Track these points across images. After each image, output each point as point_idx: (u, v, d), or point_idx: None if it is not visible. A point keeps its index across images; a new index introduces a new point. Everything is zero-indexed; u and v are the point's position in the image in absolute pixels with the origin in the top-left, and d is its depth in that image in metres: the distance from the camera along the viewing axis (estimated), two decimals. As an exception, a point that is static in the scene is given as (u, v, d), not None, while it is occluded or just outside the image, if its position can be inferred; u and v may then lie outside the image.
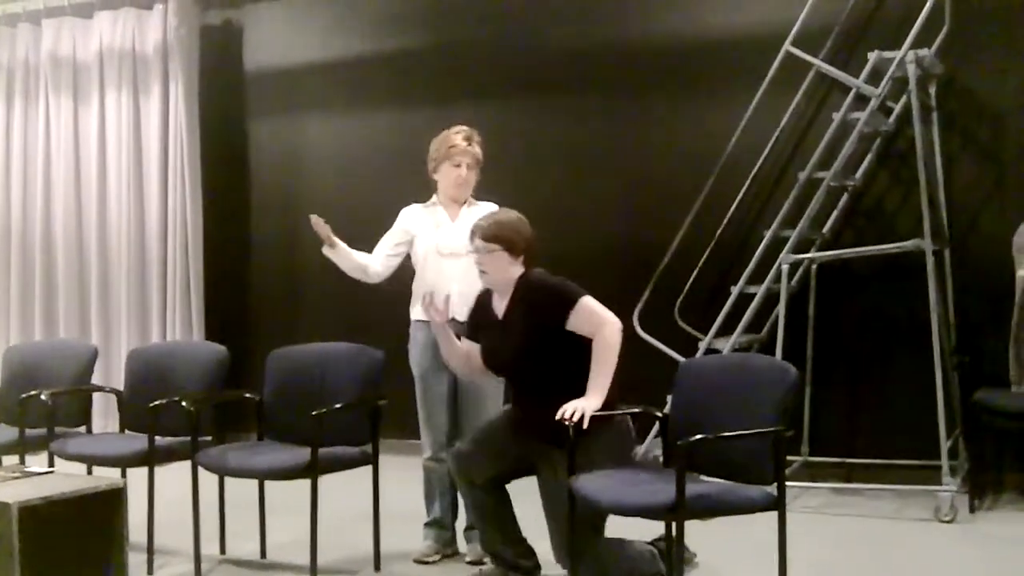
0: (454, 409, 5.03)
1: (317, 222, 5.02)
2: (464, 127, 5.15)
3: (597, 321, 4.17)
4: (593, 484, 3.97)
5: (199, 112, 8.52)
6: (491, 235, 4.39)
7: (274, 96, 8.57)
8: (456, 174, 5.05)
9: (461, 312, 4.82)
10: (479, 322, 4.58)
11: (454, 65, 7.84)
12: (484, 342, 4.51)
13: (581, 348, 4.18)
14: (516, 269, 4.40)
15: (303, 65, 8.46)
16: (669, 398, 4.40)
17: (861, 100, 6.24)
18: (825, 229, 6.72)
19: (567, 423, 4.00)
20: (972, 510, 5.85)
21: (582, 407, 4.02)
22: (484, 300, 4.57)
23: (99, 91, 8.75)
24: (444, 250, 5.02)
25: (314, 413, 4.59)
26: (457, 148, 5.05)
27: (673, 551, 3.86)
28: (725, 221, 6.89)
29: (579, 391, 4.12)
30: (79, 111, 8.84)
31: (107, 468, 5.19)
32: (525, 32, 7.67)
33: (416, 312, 5.05)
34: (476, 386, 4.92)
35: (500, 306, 4.46)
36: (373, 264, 5.16)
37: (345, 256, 5.14)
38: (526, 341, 4.25)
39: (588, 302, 4.22)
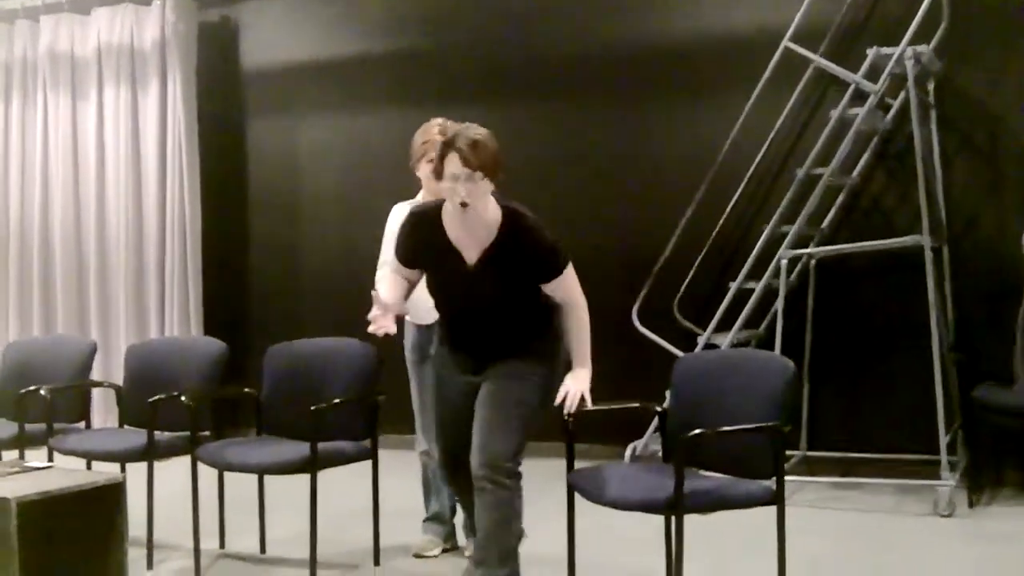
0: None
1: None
2: (440, 119, 4.87)
3: (573, 295, 4.10)
4: (592, 479, 3.98)
5: (197, 108, 8.52)
6: (476, 161, 3.89)
7: (272, 93, 8.58)
8: (427, 170, 4.77)
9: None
10: (424, 251, 4.13)
11: (452, 65, 7.85)
12: (441, 278, 4.15)
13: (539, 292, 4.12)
14: (491, 201, 4.02)
15: (300, 62, 8.46)
16: (668, 393, 4.40)
17: (859, 96, 6.25)
18: (823, 225, 6.72)
19: (568, 417, 4.01)
20: (971, 505, 5.86)
21: (580, 391, 4.03)
22: (428, 223, 4.09)
23: (97, 87, 8.75)
24: None
25: (313, 408, 4.59)
26: (431, 143, 4.69)
27: (672, 546, 3.85)
28: (724, 217, 6.90)
29: (537, 329, 4.13)
30: (77, 107, 8.84)
31: (106, 463, 5.19)
32: (523, 32, 7.67)
33: (410, 315, 5.00)
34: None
35: (461, 238, 4.04)
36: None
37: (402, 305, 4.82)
38: (508, 292, 4.08)
39: (571, 272, 4.11)
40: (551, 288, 4.07)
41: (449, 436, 4.26)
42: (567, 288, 4.08)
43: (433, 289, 4.23)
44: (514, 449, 4.00)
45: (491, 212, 4.00)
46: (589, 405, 4.00)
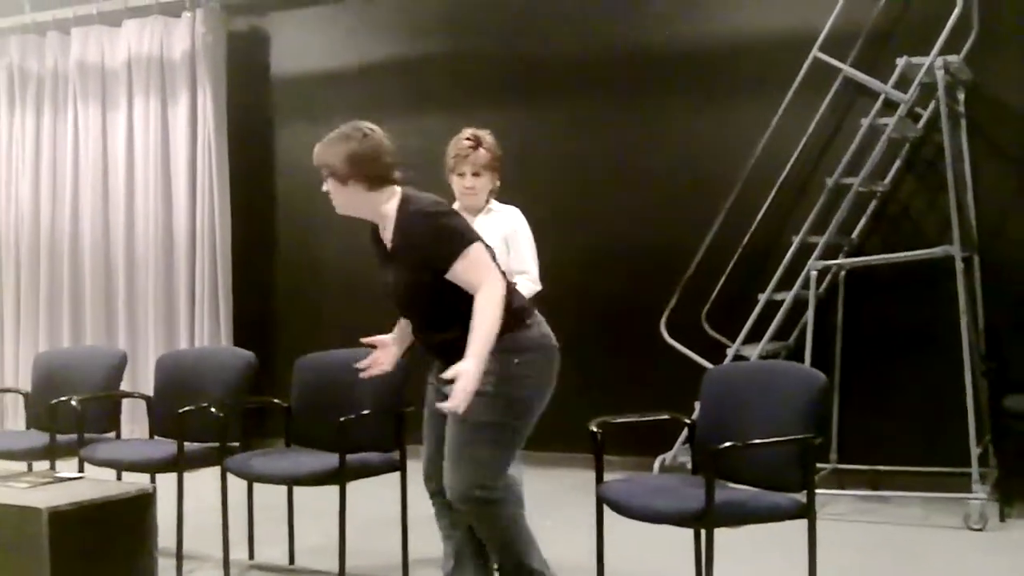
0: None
1: None
2: (471, 130, 4.92)
3: (475, 281, 3.73)
4: (621, 491, 3.97)
5: (226, 119, 8.56)
6: (316, 160, 4.05)
7: (301, 102, 8.60)
8: (461, 184, 4.88)
9: None
10: (376, 250, 4.14)
11: (477, 71, 7.85)
12: (379, 273, 4.09)
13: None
14: (364, 196, 3.97)
15: (330, 71, 8.49)
16: (697, 405, 4.39)
17: (889, 106, 6.22)
18: (853, 235, 6.70)
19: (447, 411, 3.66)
20: (1002, 518, 5.81)
21: (463, 391, 3.57)
22: (374, 225, 4.12)
23: (127, 99, 8.80)
24: None
25: (342, 419, 4.61)
26: (459, 157, 4.84)
27: (703, 559, 3.84)
28: (752, 227, 6.87)
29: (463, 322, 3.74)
30: (107, 118, 8.90)
31: (136, 473, 5.21)
32: (548, 37, 7.67)
33: None
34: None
35: (387, 233, 4.02)
36: None
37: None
38: (415, 278, 3.85)
39: (472, 256, 3.77)
40: (453, 278, 3.77)
41: (426, 458, 4.16)
42: (468, 274, 3.75)
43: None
44: (479, 478, 3.80)
45: (377, 207, 4.01)
46: (460, 408, 3.59)
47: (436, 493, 4.13)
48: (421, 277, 3.83)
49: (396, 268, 3.92)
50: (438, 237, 3.79)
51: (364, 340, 4.16)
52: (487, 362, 3.65)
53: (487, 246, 3.90)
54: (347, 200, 4.01)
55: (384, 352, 4.21)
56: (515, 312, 3.82)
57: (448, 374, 3.61)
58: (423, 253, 3.80)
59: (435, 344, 3.98)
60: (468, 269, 3.75)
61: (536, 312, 3.96)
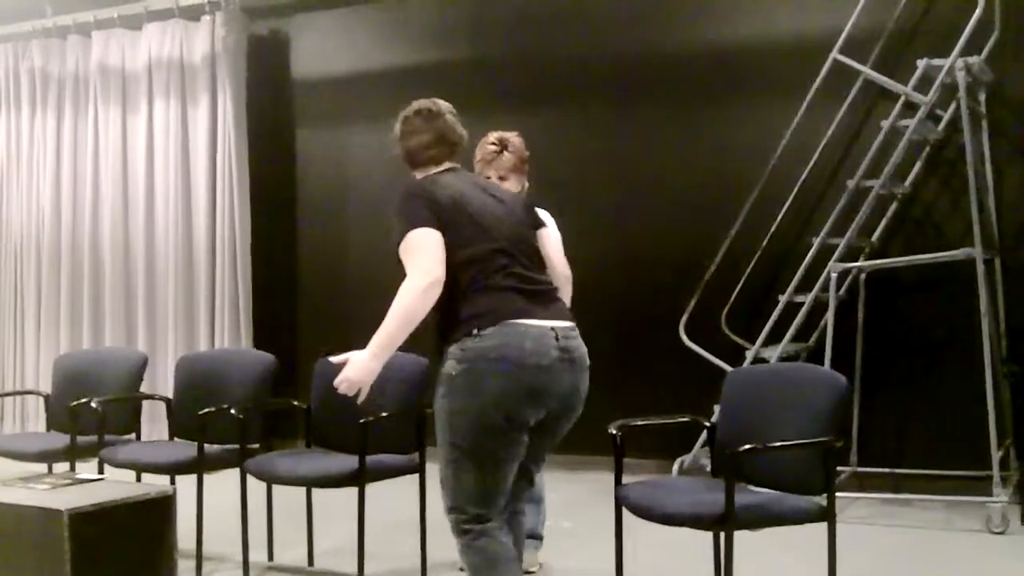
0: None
1: None
2: (497, 134, 4.91)
3: (406, 266, 3.52)
4: (641, 493, 3.96)
5: (246, 121, 8.58)
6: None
7: (321, 105, 8.63)
8: None
9: None
10: None
11: (498, 75, 7.86)
12: None
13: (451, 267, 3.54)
14: (409, 174, 3.89)
15: (350, 74, 8.51)
16: (717, 407, 4.38)
17: (910, 108, 6.21)
18: (874, 237, 6.68)
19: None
20: (1023, 521, 5.78)
21: (344, 378, 3.48)
22: None
23: (147, 101, 8.84)
24: None
25: (361, 421, 4.61)
26: (484, 162, 4.86)
27: (722, 562, 3.83)
28: (772, 229, 6.86)
29: (441, 330, 3.59)
30: (128, 121, 8.94)
31: (156, 475, 5.22)
32: (571, 42, 7.67)
33: None
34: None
35: None
36: None
37: None
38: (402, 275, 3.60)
39: (411, 240, 3.51)
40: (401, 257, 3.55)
41: None
42: (403, 259, 3.54)
43: None
44: (445, 499, 3.58)
45: None
46: (359, 400, 3.54)
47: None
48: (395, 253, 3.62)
49: None
50: (396, 215, 3.60)
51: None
52: (442, 367, 3.52)
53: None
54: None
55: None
56: (467, 317, 3.51)
57: (337, 359, 3.53)
58: (393, 230, 3.62)
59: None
60: (403, 254, 3.53)
61: (509, 320, 3.49)
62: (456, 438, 3.50)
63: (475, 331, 3.47)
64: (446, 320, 3.55)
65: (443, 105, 3.89)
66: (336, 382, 3.46)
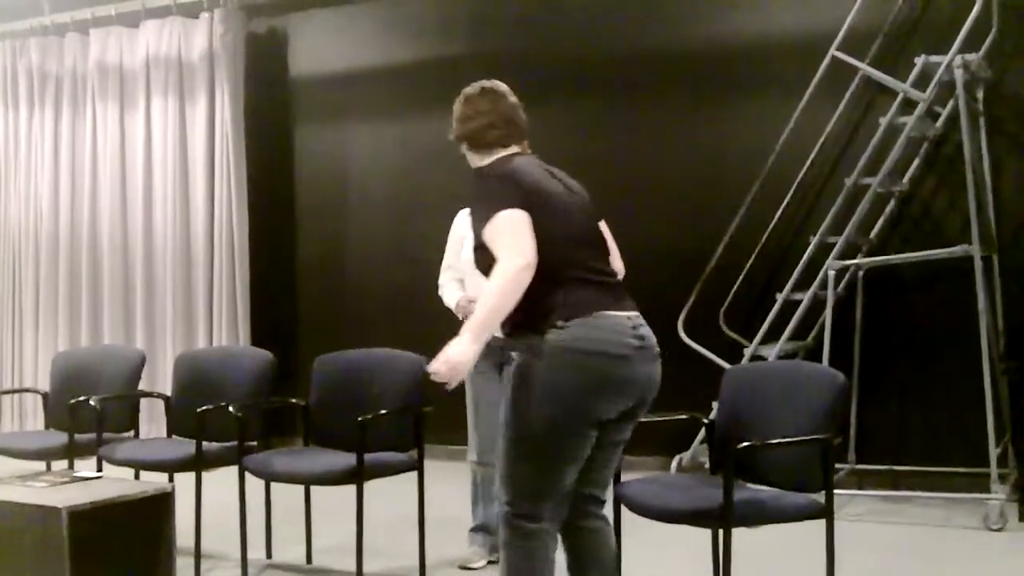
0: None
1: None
2: None
3: (495, 250, 3.35)
4: (639, 491, 3.96)
5: (245, 119, 8.58)
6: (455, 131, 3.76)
7: (319, 103, 8.63)
8: None
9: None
10: None
11: (497, 71, 7.77)
12: None
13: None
14: (470, 157, 3.75)
15: (348, 72, 8.51)
16: (715, 405, 4.38)
17: (908, 105, 6.21)
18: (872, 235, 6.68)
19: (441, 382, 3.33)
20: (1022, 518, 5.78)
21: (443, 359, 3.26)
22: None
23: (145, 99, 8.84)
24: None
25: (360, 419, 4.61)
26: None
27: (720, 559, 3.83)
28: (770, 227, 6.86)
29: (521, 316, 3.39)
30: (126, 119, 8.94)
31: (155, 473, 5.22)
32: (569, 38, 7.67)
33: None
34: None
35: None
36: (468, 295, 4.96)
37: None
38: (475, 242, 3.51)
39: (501, 221, 3.36)
40: (487, 240, 3.40)
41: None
42: (490, 242, 3.37)
43: None
44: (508, 489, 3.44)
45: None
46: (451, 385, 3.32)
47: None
48: (476, 240, 3.48)
49: None
50: (477, 196, 3.49)
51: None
52: (522, 354, 3.40)
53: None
54: (469, 160, 3.73)
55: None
56: (551, 307, 3.38)
57: (431, 366, 3.30)
58: (472, 213, 3.52)
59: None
60: (491, 237, 3.37)
61: (597, 312, 3.41)
62: (528, 431, 3.38)
63: (560, 322, 3.36)
64: (527, 310, 3.35)
65: (505, 87, 3.81)
66: (433, 367, 3.25)
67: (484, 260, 3.43)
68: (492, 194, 3.42)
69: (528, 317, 3.36)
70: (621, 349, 3.40)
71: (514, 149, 3.67)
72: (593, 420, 3.40)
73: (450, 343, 3.25)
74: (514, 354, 3.50)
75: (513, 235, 3.33)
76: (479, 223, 3.41)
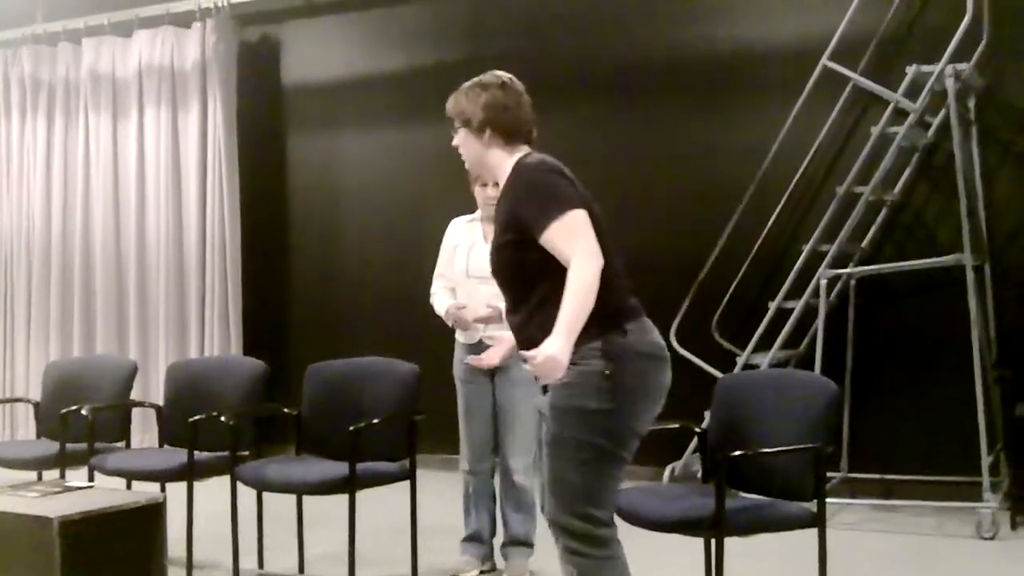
0: (495, 423, 5.02)
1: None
2: None
3: (568, 251, 3.22)
4: (631, 500, 3.96)
5: (237, 128, 8.58)
6: (448, 110, 3.62)
7: (312, 111, 8.63)
8: (483, 194, 4.94)
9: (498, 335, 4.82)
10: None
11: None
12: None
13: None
14: (495, 152, 3.51)
15: (340, 80, 8.51)
16: (707, 414, 4.38)
17: (899, 114, 6.22)
18: (864, 243, 6.69)
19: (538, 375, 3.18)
20: (1014, 527, 5.80)
21: (551, 356, 3.08)
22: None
23: (138, 108, 8.83)
24: (473, 272, 4.94)
25: (352, 428, 4.60)
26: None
27: (713, 568, 3.83)
28: (763, 236, 6.87)
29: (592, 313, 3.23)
30: (118, 128, 8.93)
31: (147, 483, 5.21)
32: (561, 47, 7.68)
33: (463, 335, 5.03)
34: (514, 400, 4.91)
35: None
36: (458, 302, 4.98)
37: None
38: (503, 239, 3.39)
39: (573, 220, 3.26)
40: (546, 244, 3.26)
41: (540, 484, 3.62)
42: (561, 242, 3.24)
43: None
44: (568, 504, 3.28)
45: (501, 164, 3.52)
46: (538, 372, 3.12)
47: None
48: (508, 236, 3.36)
49: (496, 231, 3.46)
50: (536, 192, 3.32)
51: (471, 360, 3.78)
52: (580, 359, 3.22)
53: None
54: (478, 153, 3.53)
55: (498, 347, 3.75)
56: (612, 312, 3.28)
57: (528, 354, 3.12)
58: (516, 208, 3.34)
59: (521, 336, 3.42)
60: (563, 235, 3.24)
61: (642, 317, 3.38)
62: (594, 437, 3.24)
63: (624, 326, 3.29)
64: (592, 315, 3.21)
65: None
66: (536, 362, 3.08)
67: (516, 259, 3.34)
68: (556, 191, 3.32)
69: (592, 322, 3.20)
70: (665, 353, 3.39)
71: (528, 149, 3.56)
72: (649, 423, 3.36)
73: (545, 343, 3.10)
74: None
75: (586, 236, 3.26)
76: (537, 219, 3.27)
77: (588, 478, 3.27)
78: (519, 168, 3.43)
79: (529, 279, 3.34)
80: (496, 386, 4.95)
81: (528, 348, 3.21)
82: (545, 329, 3.17)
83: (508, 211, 3.37)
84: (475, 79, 3.62)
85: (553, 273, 3.24)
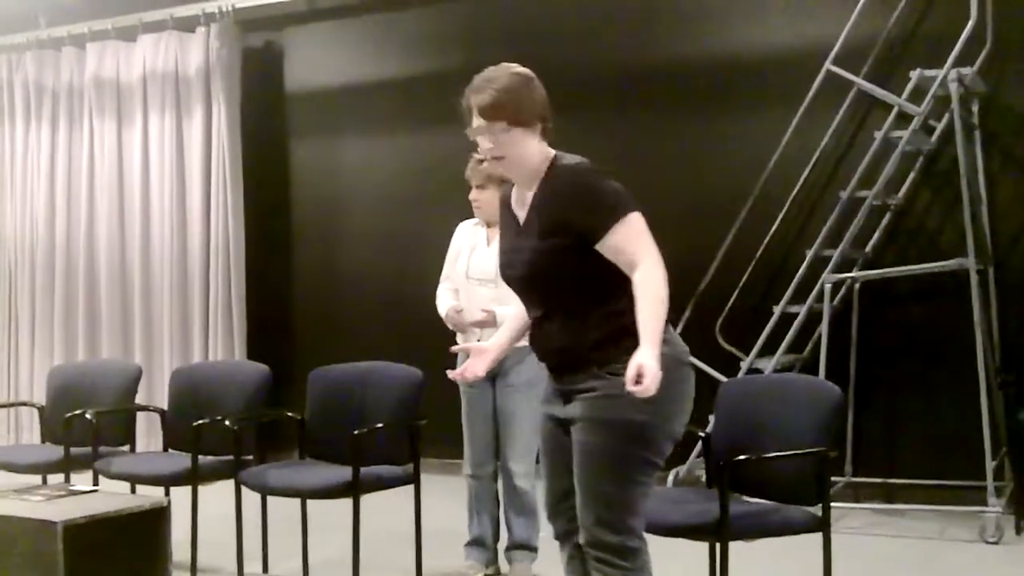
0: (496, 426, 5.02)
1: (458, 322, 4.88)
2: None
3: (636, 256, 3.17)
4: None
5: (241, 133, 8.58)
6: (490, 106, 3.30)
7: (315, 117, 8.63)
8: (480, 196, 4.95)
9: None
10: (506, 223, 3.47)
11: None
12: (500, 247, 3.47)
13: (609, 270, 3.20)
14: (539, 148, 3.36)
15: (343, 86, 8.52)
16: (711, 418, 4.38)
17: (903, 119, 6.22)
18: (867, 248, 6.68)
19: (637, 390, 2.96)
20: (1018, 531, 5.79)
21: (645, 367, 2.94)
22: (504, 201, 3.50)
23: (142, 113, 8.84)
24: (473, 274, 4.97)
25: (355, 432, 4.61)
26: (472, 171, 4.90)
27: (717, 573, 3.83)
28: (766, 240, 6.87)
29: (605, 319, 3.20)
30: (123, 133, 8.94)
31: (151, 487, 5.22)
32: (564, 53, 7.67)
33: (462, 338, 5.04)
34: (514, 404, 4.91)
35: (516, 196, 3.41)
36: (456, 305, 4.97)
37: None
38: (550, 245, 3.20)
39: (637, 223, 3.21)
40: (606, 249, 3.16)
41: (548, 493, 3.44)
42: (627, 244, 3.16)
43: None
44: (607, 516, 3.19)
45: (540, 163, 3.35)
46: (648, 390, 2.94)
47: (563, 536, 3.45)
48: (553, 241, 3.19)
49: (529, 235, 3.27)
50: (594, 195, 3.20)
51: (454, 349, 3.79)
52: (604, 382, 3.15)
53: None
54: (520, 152, 3.31)
55: (478, 359, 3.51)
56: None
57: (632, 376, 2.94)
58: (565, 212, 3.18)
59: (556, 347, 3.27)
60: (629, 239, 3.16)
61: (669, 325, 3.26)
62: (636, 448, 3.17)
63: (665, 333, 3.17)
64: (619, 321, 3.17)
65: None
66: (647, 383, 2.94)
67: (562, 264, 3.20)
68: (618, 191, 3.24)
69: (635, 331, 3.08)
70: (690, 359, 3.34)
71: None
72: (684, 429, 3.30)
73: (639, 356, 2.97)
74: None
75: (651, 239, 3.22)
76: (598, 223, 3.16)
77: (627, 489, 3.20)
78: (562, 170, 3.31)
79: (575, 286, 3.22)
80: (496, 390, 4.96)
81: (564, 358, 3.19)
82: (606, 337, 3.15)
83: (554, 216, 3.21)
84: (498, 71, 3.41)
85: (605, 279, 3.18)
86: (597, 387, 3.16)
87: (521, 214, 3.35)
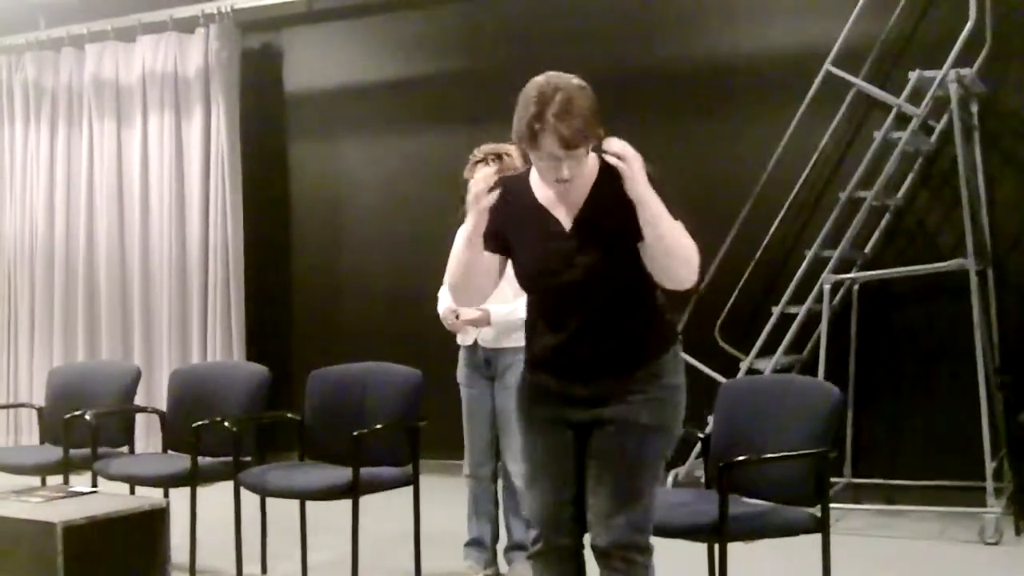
0: (495, 427, 5.02)
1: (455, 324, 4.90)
2: (488, 146, 4.85)
3: (684, 235, 3.35)
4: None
5: (240, 134, 8.58)
6: (580, 137, 3.28)
7: (314, 118, 8.63)
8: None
9: (490, 339, 4.85)
10: (511, 218, 3.31)
11: (492, 87, 7.85)
12: (529, 251, 3.28)
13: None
14: (589, 157, 3.36)
15: (343, 88, 8.52)
16: (710, 419, 4.38)
17: (902, 119, 6.22)
18: (867, 249, 6.68)
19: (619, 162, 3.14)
20: (1017, 532, 5.79)
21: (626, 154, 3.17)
22: (516, 185, 3.37)
23: (142, 114, 8.84)
24: None
25: (355, 433, 4.61)
26: (471, 171, 4.83)
27: (716, 574, 3.83)
28: (766, 241, 6.87)
29: (651, 316, 3.28)
30: (122, 134, 8.94)
31: (150, 488, 5.22)
32: (563, 55, 7.66)
33: (460, 338, 5.04)
34: (512, 405, 4.90)
35: (550, 197, 3.31)
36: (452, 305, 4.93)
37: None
38: (614, 249, 3.21)
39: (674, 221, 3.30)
40: (653, 244, 3.21)
41: (552, 505, 3.33)
42: (682, 235, 3.32)
43: (522, 273, 3.32)
44: (644, 520, 3.22)
45: (588, 166, 3.33)
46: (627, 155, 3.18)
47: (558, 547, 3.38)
48: (626, 246, 3.20)
49: (586, 240, 3.22)
50: (654, 179, 3.29)
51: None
52: (650, 385, 3.20)
53: None
54: (584, 167, 3.32)
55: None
56: (672, 326, 3.31)
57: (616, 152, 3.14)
58: (629, 213, 3.19)
59: (597, 351, 3.21)
60: (680, 231, 3.31)
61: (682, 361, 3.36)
62: (667, 452, 3.28)
63: (679, 338, 3.31)
64: (662, 325, 3.31)
65: None
66: (629, 154, 3.16)
67: (628, 268, 3.22)
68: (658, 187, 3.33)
69: (662, 335, 3.29)
70: None
71: None
72: None
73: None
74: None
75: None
76: (654, 216, 3.23)
77: (655, 490, 3.27)
78: (616, 173, 3.26)
79: (633, 287, 3.27)
80: (495, 391, 4.96)
81: (615, 359, 3.20)
82: (653, 333, 3.26)
83: (623, 219, 3.20)
84: (578, 93, 3.45)
85: (648, 280, 3.25)
86: (647, 390, 3.22)
87: (562, 216, 3.26)
